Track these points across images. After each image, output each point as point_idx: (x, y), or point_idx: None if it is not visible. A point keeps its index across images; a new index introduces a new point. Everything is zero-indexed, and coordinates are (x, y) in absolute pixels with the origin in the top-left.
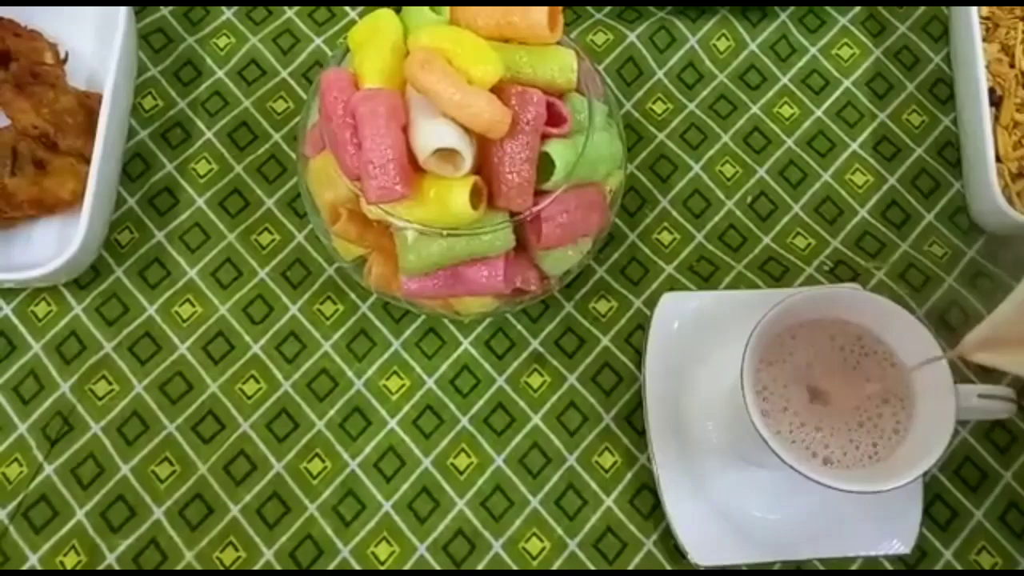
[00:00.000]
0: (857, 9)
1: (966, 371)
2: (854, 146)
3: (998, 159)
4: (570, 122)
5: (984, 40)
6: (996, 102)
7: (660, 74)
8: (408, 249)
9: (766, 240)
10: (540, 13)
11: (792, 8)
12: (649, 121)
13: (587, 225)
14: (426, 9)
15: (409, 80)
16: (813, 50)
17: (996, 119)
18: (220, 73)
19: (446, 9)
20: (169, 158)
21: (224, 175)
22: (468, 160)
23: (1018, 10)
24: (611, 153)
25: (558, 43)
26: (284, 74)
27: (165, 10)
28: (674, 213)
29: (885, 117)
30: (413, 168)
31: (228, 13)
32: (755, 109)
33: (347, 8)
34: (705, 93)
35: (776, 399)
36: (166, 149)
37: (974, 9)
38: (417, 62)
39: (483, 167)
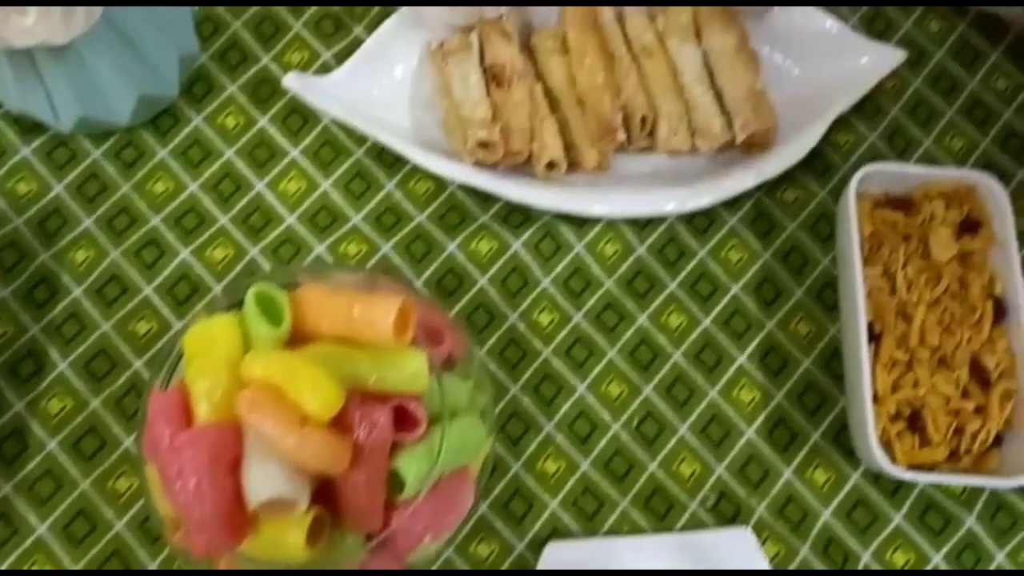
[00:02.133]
0: (746, 207)
1: None
2: (741, 359)
3: (876, 399)
4: (423, 424)
5: (866, 263)
6: (875, 338)
7: (546, 282)
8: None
9: (652, 467)
10: (386, 320)
11: (680, 201)
12: (535, 334)
13: (450, 519)
14: (262, 322)
15: (241, 419)
16: (702, 252)
17: (875, 355)
18: (77, 292)
19: (288, 318)
20: (18, 395)
21: (79, 412)
22: (303, 503)
23: (901, 225)
24: (475, 439)
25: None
26: (147, 291)
27: (18, 221)
28: (559, 439)
29: (773, 326)
30: (243, 510)
31: (88, 221)
32: (642, 319)
33: (218, 213)
34: (592, 301)
35: None
36: (16, 384)
37: (855, 233)
38: (246, 403)
39: (327, 488)
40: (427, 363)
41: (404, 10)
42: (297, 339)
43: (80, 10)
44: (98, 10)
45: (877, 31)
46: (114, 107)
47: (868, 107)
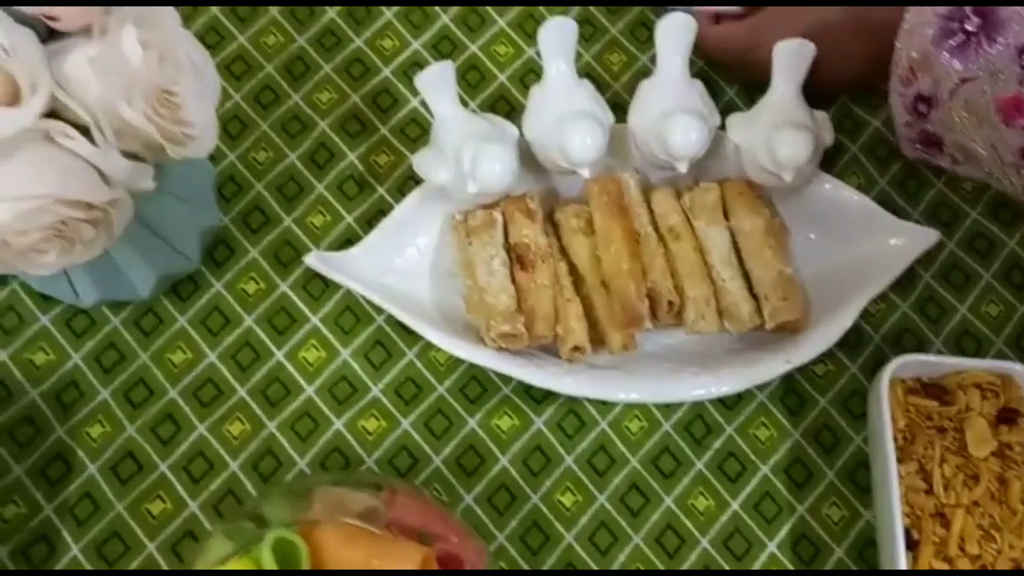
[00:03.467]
0: (776, 382)
1: None
2: (771, 547)
3: None
4: None
5: (901, 459)
6: (912, 546)
7: (569, 460)
8: None
9: None
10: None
11: (707, 388)
12: (557, 516)
13: None
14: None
15: None
16: (729, 429)
17: (913, 562)
18: (92, 469)
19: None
20: None
21: None
22: None
23: (936, 416)
24: None
25: None
26: (163, 468)
27: (35, 393)
28: None
29: (804, 511)
30: None
31: (104, 393)
32: (668, 501)
33: (236, 384)
34: (617, 481)
35: None
36: (25, 568)
37: (888, 432)
38: None
39: None
40: None
41: (427, 184)
42: None
43: (102, 235)
44: (120, 227)
45: (909, 191)
46: (135, 287)
47: (901, 274)
